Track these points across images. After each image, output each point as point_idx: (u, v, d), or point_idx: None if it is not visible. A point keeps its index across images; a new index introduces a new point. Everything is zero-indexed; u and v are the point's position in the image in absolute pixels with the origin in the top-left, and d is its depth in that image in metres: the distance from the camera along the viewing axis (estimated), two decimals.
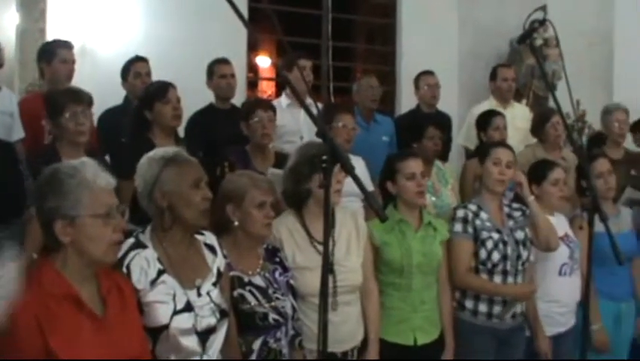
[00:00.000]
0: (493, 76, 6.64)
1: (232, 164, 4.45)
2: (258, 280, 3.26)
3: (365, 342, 3.71)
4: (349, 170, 2.37)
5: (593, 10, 8.83)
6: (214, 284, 2.93)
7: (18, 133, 4.41)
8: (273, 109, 4.76)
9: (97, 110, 5.21)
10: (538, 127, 5.80)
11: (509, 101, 6.60)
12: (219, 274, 2.98)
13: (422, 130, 5.12)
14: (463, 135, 6.57)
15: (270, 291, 3.26)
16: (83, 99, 4.01)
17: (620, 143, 6.13)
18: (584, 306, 3.27)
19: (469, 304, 4.17)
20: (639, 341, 4.80)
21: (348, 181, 3.27)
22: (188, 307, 2.78)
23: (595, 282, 4.06)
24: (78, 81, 5.06)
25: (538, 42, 7.51)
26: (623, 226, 4.70)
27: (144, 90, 4.70)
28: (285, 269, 3.41)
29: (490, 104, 6.45)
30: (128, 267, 2.73)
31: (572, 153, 5.80)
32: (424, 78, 6.44)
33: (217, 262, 3.00)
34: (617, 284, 4.62)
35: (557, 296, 4.43)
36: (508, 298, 4.13)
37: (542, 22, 4.44)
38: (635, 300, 4.82)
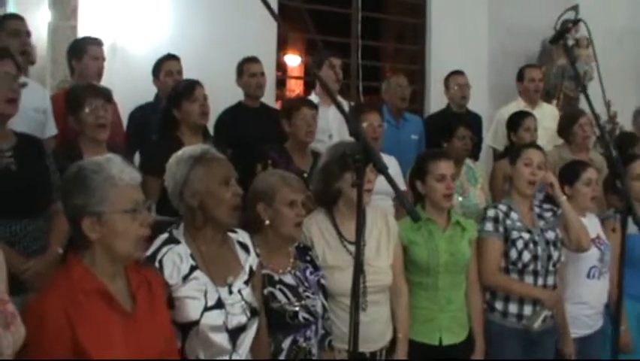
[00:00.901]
0: (520, 76, 6.61)
1: (275, 161, 4.47)
2: (289, 279, 3.26)
3: (394, 342, 3.70)
4: (382, 169, 2.36)
5: (624, 10, 8.76)
6: (246, 282, 2.93)
7: (50, 130, 4.43)
8: (316, 107, 4.78)
9: (127, 107, 5.28)
10: (565, 128, 5.76)
11: (537, 102, 6.57)
12: (251, 272, 2.98)
13: (453, 130, 5.10)
14: (491, 136, 6.54)
15: (301, 290, 3.26)
16: (103, 94, 4.03)
17: None
18: (615, 308, 3.23)
19: (498, 305, 4.15)
20: None
21: (379, 179, 3.29)
22: (219, 305, 2.79)
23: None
24: (108, 78, 5.10)
25: (570, 42, 7.46)
26: None
27: (172, 89, 4.73)
28: (316, 268, 3.41)
29: (518, 105, 6.42)
30: (160, 261, 2.75)
31: (600, 154, 5.76)
32: (454, 78, 6.42)
33: (250, 261, 3.00)
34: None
35: (585, 299, 4.41)
36: (536, 300, 4.11)
37: (576, 22, 4.40)
38: None
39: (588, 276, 4.42)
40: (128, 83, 5.47)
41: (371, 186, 3.49)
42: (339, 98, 4.24)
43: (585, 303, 4.42)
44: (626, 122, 7.17)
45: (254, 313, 2.91)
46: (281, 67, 8.21)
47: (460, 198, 4.96)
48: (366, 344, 3.46)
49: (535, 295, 4.10)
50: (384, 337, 3.66)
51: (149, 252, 2.73)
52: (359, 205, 2.36)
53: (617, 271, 3.30)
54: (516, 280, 4.13)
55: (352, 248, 3.44)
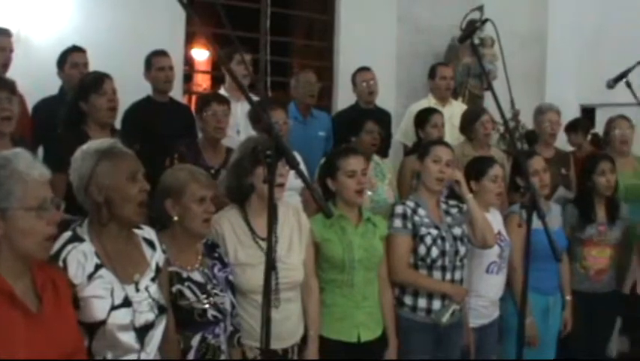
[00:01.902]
0: (432, 74, 6.71)
1: (182, 156, 4.41)
2: (197, 276, 3.22)
3: (305, 339, 3.71)
4: (294, 165, 2.35)
5: (527, 12, 9.02)
6: (153, 280, 2.87)
7: None
8: (228, 103, 4.75)
9: (31, 100, 5.12)
10: (467, 125, 5.90)
11: (448, 100, 6.70)
12: (158, 269, 2.92)
13: (361, 124, 5.16)
14: (401, 132, 6.63)
15: (209, 287, 3.23)
16: (6, 85, 3.92)
17: (551, 143, 6.24)
18: (520, 301, 3.31)
19: (408, 300, 4.19)
20: (564, 332, 4.91)
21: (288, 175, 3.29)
22: (126, 303, 2.73)
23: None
24: (11, 69, 4.95)
25: (476, 41, 7.61)
26: (553, 224, 4.80)
27: (79, 81, 4.62)
28: (225, 265, 3.38)
29: (428, 101, 6.53)
30: (64, 261, 2.66)
31: (502, 151, 5.91)
32: (362, 74, 6.47)
33: (156, 257, 2.94)
34: (545, 279, 4.70)
35: (483, 293, 4.52)
36: (445, 294, 4.17)
37: (484, 22, 4.49)
38: (561, 294, 4.95)
39: (487, 271, 4.52)
40: (32, 75, 5.31)
41: (283, 180, 3.48)
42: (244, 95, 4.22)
43: (483, 296, 4.52)
44: (527, 121, 7.35)
45: (161, 310, 2.85)
46: (188, 61, 8.11)
47: (370, 193, 5.01)
48: (278, 341, 3.44)
49: (443, 290, 4.16)
50: (295, 334, 3.67)
51: (52, 251, 2.65)
52: (270, 201, 2.35)
53: (522, 266, 3.39)
54: (424, 275, 4.17)
55: (264, 244, 3.40)
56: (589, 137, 7.32)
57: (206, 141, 4.66)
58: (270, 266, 2.37)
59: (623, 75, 4.48)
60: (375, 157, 5.32)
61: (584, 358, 5.11)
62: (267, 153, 2.33)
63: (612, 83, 4.56)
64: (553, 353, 4.93)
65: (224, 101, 4.75)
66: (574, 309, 4.99)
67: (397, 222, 4.17)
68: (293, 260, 3.62)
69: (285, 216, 3.68)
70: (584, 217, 5.13)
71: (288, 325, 3.60)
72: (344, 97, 7.03)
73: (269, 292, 2.31)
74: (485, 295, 4.53)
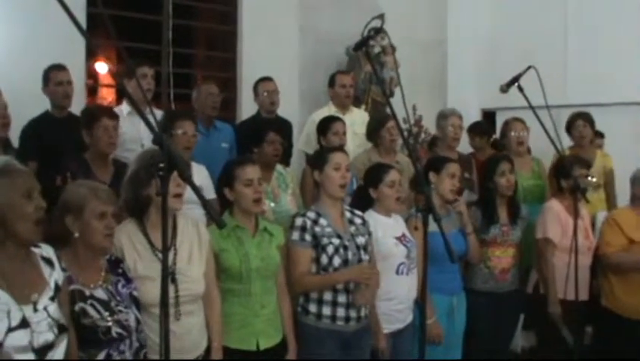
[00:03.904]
0: (332, 82, 6.76)
1: (73, 173, 4.34)
2: (100, 293, 3.18)
3: (209, 351, 3.71)
4: (186, 177, 2.36)
5: (427, 19, 9.21)
6: (52, 299, 2.82)
7: None
8: (117, 117, 4.70)
9: None
10: (373, 132, 5.98)
11: (348, 107, 6.74)
12: (57, 288, 2.87)
13: (262, 135, 5.17)
14: (303, 141, 6.67)
15: (113, 304, 3.19)
16: None
17: (454, 147, 6.37)
18: (420, 302, 3.39)
19: (312, 308, 4.22)
20: None
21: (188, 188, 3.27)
22: (24, 324, 2.67)
23: (429, 279, 4.24)
24: None
25: (377, 50, 7.74)
26: (453, 226, 4.92)
27: None
28: (129, 280, 3.34)
29: (329, 110, 6.57)
30: None
31: (406, 156, 6.02)
32: (263, 84, 6.49)
33: (55, 276, 2.89)
34: (448, 280, 4.84)
35: (395, 294, 4.56)
36: (350, 282, 4.19)
37: (378, 31, 4.57)
38: (464, 293, 5.08)
39: (397, 272, 4.57)
40: None
41: (180, 191, 3.47)
42: (148, 108, 4.18)
43: (395, 298, 4.56)
44: (431, 127, 7.48)
45: (62, 329, 2.80)
46: (92, 74, 7.96)
47: (272, 204, 5.02)
48: (181, 354, 3.44)
49: (346, 277, 4.17)
50: (199, 346, 3.66)
51: None
52: (164, 213, 2.35)
53: (421, 268, 3.47)
54: (323, 275, 4.20)
55: None
56: (490, 140, 7.49)
57: (95, 156, 4.60)
58: (167, 279, 2.36)
59: (514, 80, 4.61)
60: (278, 167, 5.35)
61: (490, 354, 5.25)
62: (159, 165, 2.33)
63: (505, 88, 4.69)
64: (459, 351, 5.05)
65: (115, 116, 4.70)
66: (478, 308, 5.12)
67: (295, 235, 4.20)
68: (193, 272, 3.61)
69: (185, 229, 3.67)
70: (487, 218, 5.28)
71: (190, 338, 3.59)
72: (248, 108, 7.02)
73: (166, 305, 2.30)
74: (397, 297, 4.57)
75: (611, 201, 6.63)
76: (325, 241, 4.19)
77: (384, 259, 4.51)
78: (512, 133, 6.26)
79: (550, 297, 5.28)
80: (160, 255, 3.37)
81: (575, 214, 4.59)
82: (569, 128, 6.61)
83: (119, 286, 3.29)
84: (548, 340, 5.42)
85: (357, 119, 6.51)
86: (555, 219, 5.33)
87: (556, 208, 5.38)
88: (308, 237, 4.18)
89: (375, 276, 4.26)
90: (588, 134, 6.61)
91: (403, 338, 4.64)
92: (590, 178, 5.52)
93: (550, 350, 5.37)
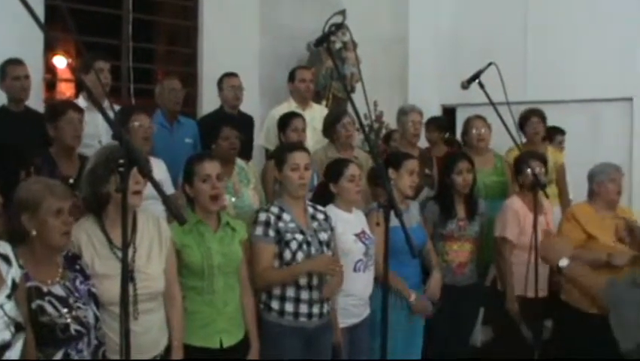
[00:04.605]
0: (292, 77, 6.75)
1: (38, 168, 4.28)
2: (58, 290, 3.14)
3: (169, 350, 3.67)
4: (146, 173, 2.34)
5: (388, 16, 9.23)
6: (8, 297, 2.79)
7: None
8: (82, 111, 4.65)
9: None
10: (329, 128, 5.98)
11: (308, 103, 6.73)
12: (14, 285, 2.84)
13: (217, 131, 5.14)
14: (263, 136, 6.64)
15: (71, 300, 3.15)
16: None
17: (414, 143, 6.41)
18: (383, 296, 3.39)
19: (275, 304, 4.21)
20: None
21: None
22: None
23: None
24: None
25: (338, 45, 7.73)
26: (412, 221, 4.95)
27: None
28: (86, 277, 3.30)
29: (289, 105, 6.55)
30: None
31: (364, 152, 6.03)
32: (228, 80, 6.45)
33: (12, 273, 2.85)
34: (409, 274, 4.86)
35: (352, 291, 4.57)
36: (313, 278, 4.20)
37: (339, 26, 4.55)
38: (424, 286, 5.11)
39: (354, 269, 4.58)
40: None
41: (139, 188, 3.43)
42: (107, 103, 4.14)
43: (352, 295, 4.58)
44: (392, 122, 7.51)
45: (18, 328, 2.77)
46: (50, 69, 7.87)
47: (234, 199, 5.00)
48: (140, 353, 3.39)
49: (308, 268, 4.18)
50: (158, 345, 3.63)
51: None
52: (124, 210, 2.32)
53: (383, 262, 3.47)
54: (285, 268, 4.20)
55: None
56: (444, 136, 7.52)
57: (60, 151, 4.54)
58: (127, 277, 2.33)
59: (475, 76, 4.63)
60: (240, 162, 5.33)
61: (450, 348, 5.30)
62: (119, 161, 2.31)
63: (466, 84, 4.71)
64: (420, 345, 5.09)
65: (80, 109, 4.66)
66: (436, 302, 5.13)
67: (259, 230, 4.19)
68: (152, 270, 3.57)
69: (145, 225, 3.63)
70: (445, 213, 5.34)
71: (150, 336, 3.55)
72: (209, 103, 6.97)
73: (126, 303, 2.28)
74: (354, 294, 4.59)
75: (563, 197, 6.72)
76: (289, 236, 4.19)
77: (343, 255, 4.51)
78: (474, 131, 6.31)
79: (508, 294, 5.36)
80: (118, 253, 3.37)
81: (535, 210, 4.63)
82: (522, 124, 6.66)
83: (77, 282, 3.25)
84: (505, 335, 5.49)
85: (317, 115, 6.49)
86: (513, 218, 5.40)
87: (515, 206, 5.45)
88: (271, 232, 4.18)
89: (338, 266, 4.27)
90: (542, 130, 6.71)
91: (359, 332, 4.66)
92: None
93: (506, 345, 5.45)
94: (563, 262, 3.08)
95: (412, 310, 4.88)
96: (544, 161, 5.62)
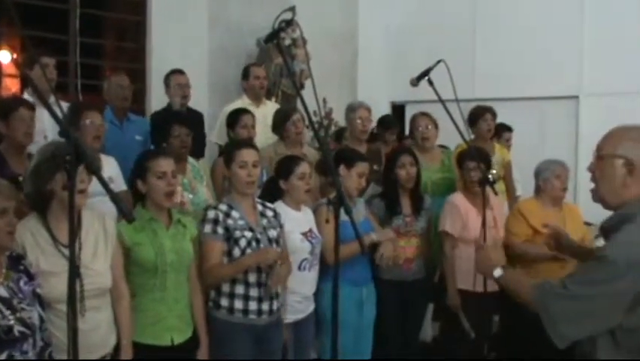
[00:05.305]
0: (246, 74, 6.73)
1: None
2: (1, 291, 3.06)
3: (118, 348, 3.63)
4: (94, 170, 2.30)
5: (338, 12, 9.25)
6: None
7: None
8: (34, 108, 4.57)
9: None
10: (279, 125, 5.97)
11: (262, 100, 6.73)
12: None
13: (168, 129, 5.10)
14: (216, 133, 6.61)
15: (15, 301, 3.07)
16: None
17: (362, 139, 6.42)
18: (333, 293, 3.39)
19: (224, 302, 4.19)
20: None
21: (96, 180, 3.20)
22: None
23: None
24: None
25: (287, 42, 7.71)
26: (359, 216, 4.96)
27: None
28: (31, 277, 3.22)
29: (242, 102, 6.54)
30: None
31: (314, 149, 6.03)
32: (175, 77, 6.39)
33: None
34: (358, 271, 4.87)
35: (297, 289, 4.59)
36: (260, 265, 4.15)
37: (289, 23, 4.53)
38: (373, 284, 5.13)
39: (299, 268, 4.59)
40: None
41: (84, 186, 3.38)
42: (53, 98, 4.07)
43: (297, 293, 4.60)
44: (342, 119, 7.52)
45: None
46: None
47: (191, 196, 4.98)
48: (88, 352, 3.35)
49: (254, 259, 4.14)
50: (107, 343, 3.58)
51: None
52: (71, 207, 2.28)
53: (333, 259, 3.47)
54: (231, 264, 4.18)
55: (67, 252, 3.27)
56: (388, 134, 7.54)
57: (10, 148, 4.46)
58: (74, 275, 2.29)
59: (425, 73, 4.64)
60: (191, 159, 5.30)
61: (400, 344, 5.32)
62: (66, 158, 2.27)
63: (415, 82, 4.72)
64: (369, 341, 5.10)
65: (31, 106, 4.58)
66: (386, 297, 5.20)
67: (208, 228, 4.17)
68: (99, 266, 3.52)
69: (90, 222, 3.58)
70: (391, 209, 5.36)
71: (98, 335, 3.51)
72: (157, 99, 6.91)
73: (74, 301, 2.24)
74: (298, 292, 4.61)
75: (509, 193, 6.81)
76: (238, 234, 4.18)
77: (289, 254, 4.50)
78: (419, 128, 6.34)
79: (450, 289, 5.41)
80: (64, 250, 3.33)
81: (484, 206, 4.66)
82: (475, 121, 6.73)
83: (21, 283, 3.17)
84: (449, 330, 5.54)
85: (270, 112, 6.43)
86: (455, 213, 5.45)
87: (457, 202, 5.50)
88: (220, 230, 4.16)
89: (285, 258, 4.29)
90: (493, 127, 6.79)
91: (304, 327, 4.69)
92: (491, 171, 5.63)
93: (451, 341, 5.51)
94: (497, 272, 3.10)
95: (379, 259, 4.88)
96: (486, 157, 5.66)
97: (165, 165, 3.95)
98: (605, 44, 8.07)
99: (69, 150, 2.27)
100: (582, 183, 7.38)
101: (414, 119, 6.48)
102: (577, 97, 8.41)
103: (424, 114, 6.38)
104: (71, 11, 6.96)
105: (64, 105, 4.89)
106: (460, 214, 5.41)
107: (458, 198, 5.52)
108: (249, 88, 6.68)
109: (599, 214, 3.00)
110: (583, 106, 8.39)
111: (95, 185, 3.40)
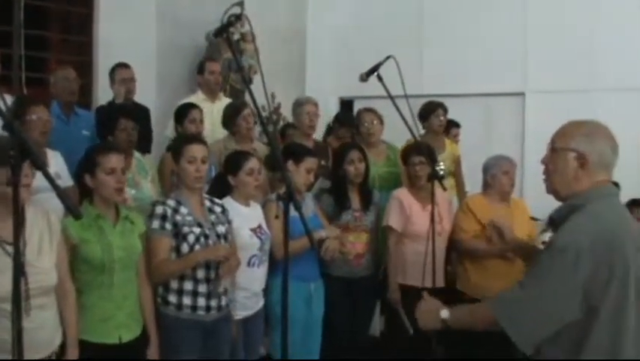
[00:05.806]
0: (201, 69, 6.73)
1: None
2: None
3: (64, 347, 3.58)
4: (40, 165, 2.26)
5: (287, 8, 9.26)
6: None
7: None
8: None
9: None
10: (229, 120, 5.95)
11: (217, 95, 6.72)
12: None
13: (114, 122, 5.05)
14: (171, 128, 6.54)
15: None
16: None
17: (310, 134, 6.43)
18: (282, 288, 3.39)
19: (172, 298, 4.17)
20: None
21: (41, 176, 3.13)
22: None
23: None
24: None
25: (236, 37, 7.70)
26: (308, 212, 4.97)
27: None
28: None
29: (197, 97, 6.52)
30: None
31: (263, 144, 6.02)
32: (119, 71, 6.33)
33: None
34: (306, 266, 4.89)
35: (246, 285, 4.60)
36: (208, 261, 4.16)
37: (239, 17, 4.50)
38: (321, 280, 5.17)
39: (249, 264, 4.59)
40: None
41: (29, 181, 3.31)
42: None
43: (246, 289, 4.61)
44: (289, 114, 7.52)
45: None
46: None
47: (134, 191, 4.93)
48: (34, 351, 3.28)
49: (202, 256, 4.14)
50: (52, 342, 3.52)
51: None
52: (16, 203, 2.24)
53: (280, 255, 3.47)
54: (178, 259, 4.16)
55: (11, 249, 3.21)
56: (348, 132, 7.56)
57: None
58: (19, 273, 2.24)
59: (374, 69, 4.67)
60: (137, 154, 5.25)
61: (349, 339, 5.34)
62: (10, 153, 2.22)
63: (364, 77, 4.75)
64: (318, 337, 5.13)
65: None
66: (335, 293, 5.22)
67: (155, 224, 4.14)
68: (44, 264, 3.45)
69: (34, 219, 3.50)
70: (339, 205, 5.38)
71: (43, 333, 3.44)
72: (104, 93, 6.80)
73: (19, 300, 2.19)
74: (248, 288, 4.61)
75: (459, 188, 6.89)
76: (186, 229, 4.15)
77: (238, 250, 4.49)
78: (364, 124, 6.37)
79: (390, 284, 5.44)
80: (7, 247, 3.25)
81: (433, 201, 4.70)
82: (426, 116, 6.79)
83: None
84: (392, 326, 5.59)
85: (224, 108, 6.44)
86: (397, 208, 5.48)
87: (401, 197, 5.52)
88: (168, 225, 4.13)
89: (233, 253, 4.27)
90: (444, 122, 6.88)
91: (253, 323, 4.71)
92: (440, 166, 5.68)
93: (393, 336, 5.56)
94: (445, 313, 3.13)
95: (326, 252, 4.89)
96: (431, 152, 5.70)
97: (116, 160, 3.89)
98: (550, 42, 8.20)
99: (13, 144, 2.23)
100: (528, 178, 7.52)
101: (359, 114, 6.54)
102: (523, 94, 8.54)
103: (369, 110, 6.42)
104: (15, 2, 6.82)
105: (9, 99, 4.80)
106: (404, 209, 5.44)
107: (402, 193, 5.55)
108: (204, 83, 6.66)
109: (545, 209, 3.06)
110: (529, 103, 8.52)
111: (40, 180, 3.34)
